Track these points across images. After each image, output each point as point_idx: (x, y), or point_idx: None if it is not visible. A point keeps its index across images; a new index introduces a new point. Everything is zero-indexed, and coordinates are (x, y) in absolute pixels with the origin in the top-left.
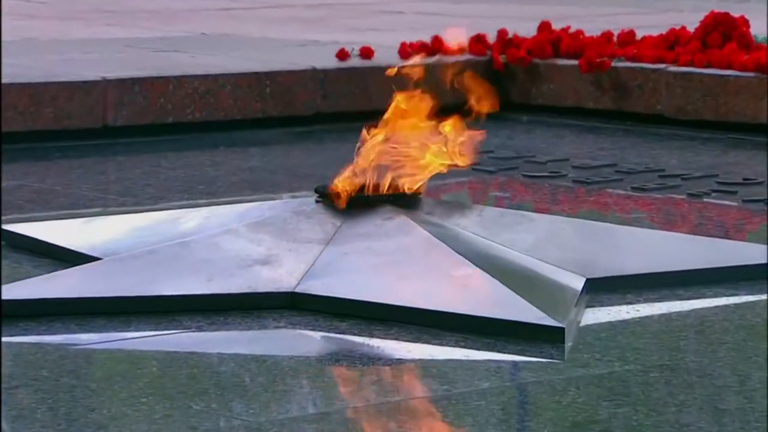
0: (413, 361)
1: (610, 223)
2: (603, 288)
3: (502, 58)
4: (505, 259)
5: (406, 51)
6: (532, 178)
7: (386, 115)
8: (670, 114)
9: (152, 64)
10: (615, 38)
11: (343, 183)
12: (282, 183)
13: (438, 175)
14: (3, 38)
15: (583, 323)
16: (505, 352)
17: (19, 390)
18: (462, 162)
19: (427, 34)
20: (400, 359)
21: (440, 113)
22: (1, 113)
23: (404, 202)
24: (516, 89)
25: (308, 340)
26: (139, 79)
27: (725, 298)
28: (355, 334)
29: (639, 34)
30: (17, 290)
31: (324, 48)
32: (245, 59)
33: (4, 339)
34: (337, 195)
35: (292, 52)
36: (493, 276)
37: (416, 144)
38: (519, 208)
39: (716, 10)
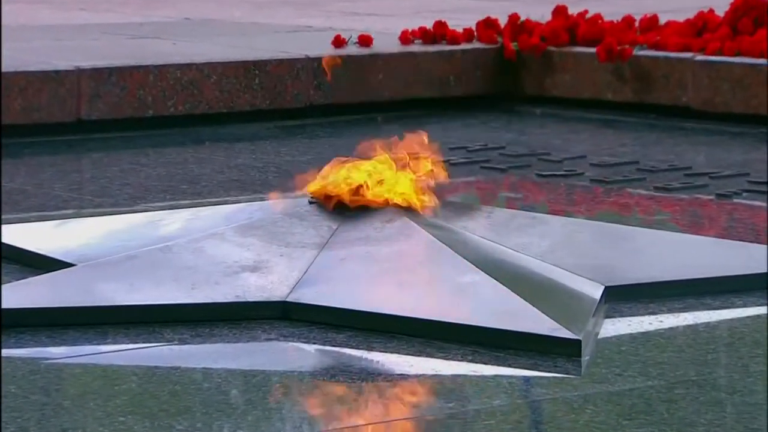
0: (416, 376)
1: (631, 225)
2: (623, 297)
3: (513, 46)
4: (516, 265)
5: (407, 38)
6: (546, 177)
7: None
8: (696, 107)
9: (130, 52)
10: (637, 24)
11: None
12: (272, 182)
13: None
14: None
15: (601, 335)
16: (516, 367)
17: None
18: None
19: (431, 20)
20: (401, 374)
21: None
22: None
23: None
24: (529, 80)
25: (301, 354)
26: (116, 68)
27: (757, 307)
28: (352, 347)
29: (663, 19)
30: None
31: (318, 35)
32: (232, 47)
33: None
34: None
35: (284, 39)
36: (503, 284)
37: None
38: (532, 209)
39: None
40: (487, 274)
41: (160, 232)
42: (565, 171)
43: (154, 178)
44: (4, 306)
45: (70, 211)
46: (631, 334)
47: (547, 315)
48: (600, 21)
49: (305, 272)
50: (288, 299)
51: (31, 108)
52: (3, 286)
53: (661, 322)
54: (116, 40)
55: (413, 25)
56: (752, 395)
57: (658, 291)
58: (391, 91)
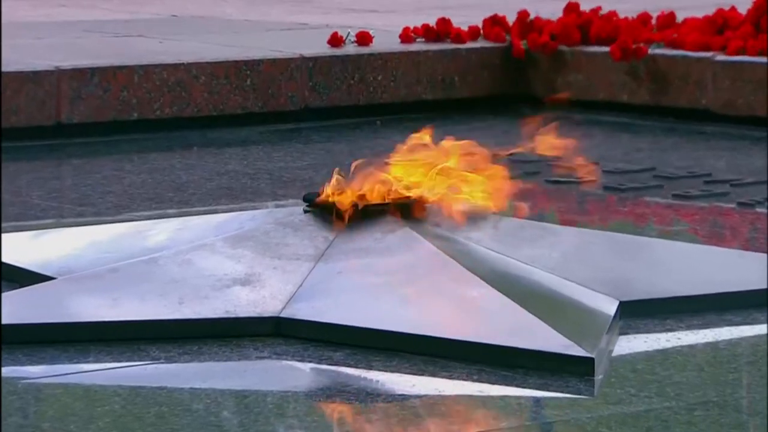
0: (418, 397)
1: (648, 236)
2: (639, 312)
3: (522, 44)
4: (525, 278)
5: (409, 36)
6: (557, 184)
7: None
8: (717, 109)
9: (114, 51)
10: (653, 21)
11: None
12: (265, 190)
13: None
14: None
15: (615, 353)
16: (525, 387)
17: None
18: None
19: (434, 17)
20: (403, 395)
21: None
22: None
23: (408, 211)
24: (539, 80)
25: (296, 373)
26: (98, 68)
27: None
28: (350, 366)
29: (681, 16)
30: None
31: (314, 32)
32: (222, 45)
33: None
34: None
35: (277, 37)
36: (511, 298)
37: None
38: (542, 219)
39: None
40: (495, 287)
41: (146, 243)
42: (578, 178)
43: (138, 186)
44: None
45: (49, 221)
46: (647, 351)
47: (558, 331)
48: (614, 18)
49: (300, 286)
50: (282, 315)
51: (8, 110)
52: None
53: (680, 339)
54: (99, 39)
55: (415, 22)
56: None
57: (676, 306)
58: (392, 92)
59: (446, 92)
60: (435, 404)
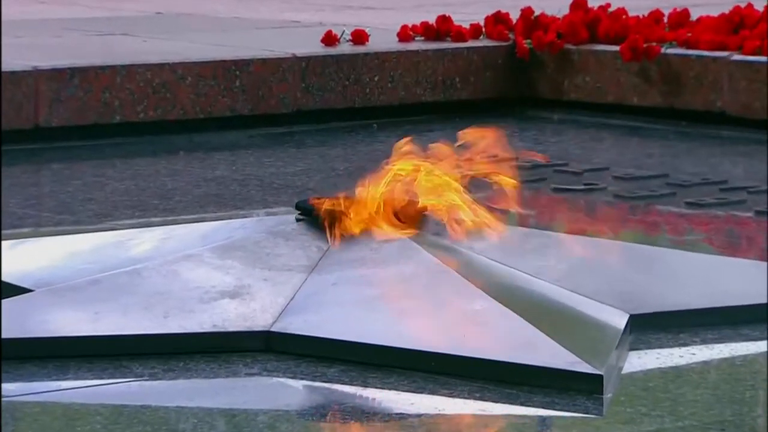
0: (417, 416)
1: (660, 246)
2: (650, 326)
3: (527, 44)
4: (530, 290)
5: (407, 34)
6: (563, 192)
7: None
8: (733, 112)
9: (95, 51)
10: (665, 19)
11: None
12: (255, 197)
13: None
14: None
15: (625, 370)
16: (530, 405)
17: None
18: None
19: (433, 14)
20: (401, 414)
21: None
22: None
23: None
24: (544, 81)
25: (288, 391)
26: (79, 69)
27: None
28: (345, 383)
29: (695, 14)
30: None
31: (307, 31)
32: (210, 44)
33: None
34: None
35: (268, 36)
36: (515, 311)
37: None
38: (548, 228)
39: None
40: (498, 300)
41: (129, 254)
42: (586, 184)
43: (121, 193)
44: None
45: (26, 230)
46: (659, 368)
47: (564, 347)
48: (624, 16)
49: (292, 299)
50: (272, 329)
51: None
52: None
53: (694, 354)
54: (80, 37)
55: (414, 19)
56: None
57: (690, 320)
58: (389, 94)
59: (446, 94)
60: (435, 423)
